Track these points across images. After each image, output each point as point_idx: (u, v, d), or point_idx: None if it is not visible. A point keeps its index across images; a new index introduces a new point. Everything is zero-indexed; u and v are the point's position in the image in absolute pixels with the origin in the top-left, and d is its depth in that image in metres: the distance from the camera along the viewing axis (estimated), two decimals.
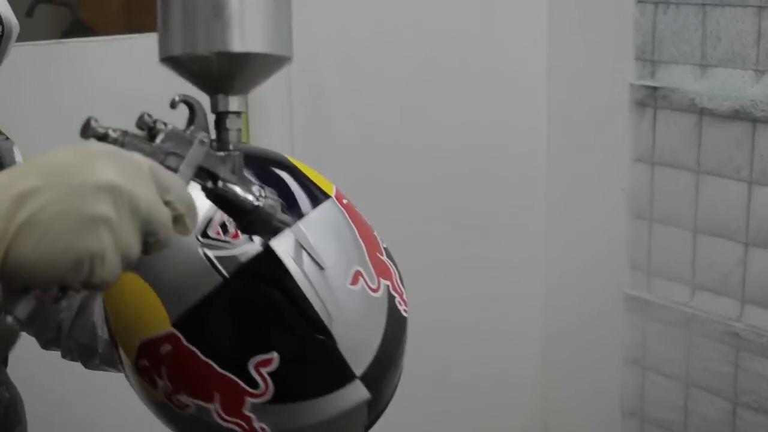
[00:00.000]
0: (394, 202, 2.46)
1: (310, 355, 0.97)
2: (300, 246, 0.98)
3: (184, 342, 0.97)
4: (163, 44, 0.88)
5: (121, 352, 1.02)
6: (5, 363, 1.17)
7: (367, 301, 1.01)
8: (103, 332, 1.22)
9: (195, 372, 0.97)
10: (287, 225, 0.92)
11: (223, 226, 0.98)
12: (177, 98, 0.87)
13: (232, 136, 0.89)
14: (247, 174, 0.90)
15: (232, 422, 0.97)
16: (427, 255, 2.48)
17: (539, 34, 2.69)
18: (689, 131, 2.45)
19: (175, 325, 0.96)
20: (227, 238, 0.98)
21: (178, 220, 0.80)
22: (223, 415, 0.97)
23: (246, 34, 0.87)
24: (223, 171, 0.87)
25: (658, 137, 2.53)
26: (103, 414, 2.15)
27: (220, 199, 0.88)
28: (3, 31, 1.04)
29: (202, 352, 0.96)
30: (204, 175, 0.86)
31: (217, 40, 0.86)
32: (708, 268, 2.48)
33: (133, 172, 0.76)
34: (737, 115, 2.33)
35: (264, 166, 1.05)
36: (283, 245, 0.97)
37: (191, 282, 0.97)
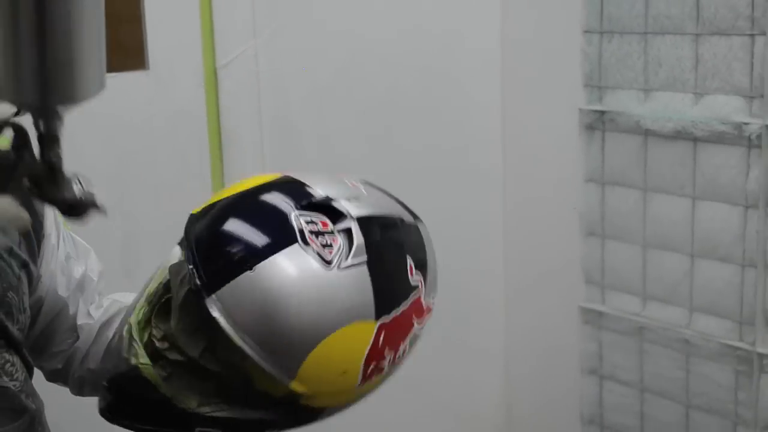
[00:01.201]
0: None
1: None
2: None
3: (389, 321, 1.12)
4: None
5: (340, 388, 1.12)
6: (30, 374, 1.25)
7: None
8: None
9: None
10: (102, 210, 1.00)
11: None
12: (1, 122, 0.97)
13: (53, 153, 0.97)
14: None
15: None
16: None
17: (494, 64, 2.78)
18: (635, 152, 2.56)
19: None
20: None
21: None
22: None
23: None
24: (44, 178, 0.97)
25: (607, 158, 2.63)
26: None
27: (46, 198, 0.98)
28: None
29: None
30: (30, 185, 0.97)
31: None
32: (657, 279, 2.58)
33: None
34: (679, 136, 2.44)
35: None
36: None
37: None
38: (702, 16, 2.36)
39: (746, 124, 2.31)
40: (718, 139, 2.38)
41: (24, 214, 0.97)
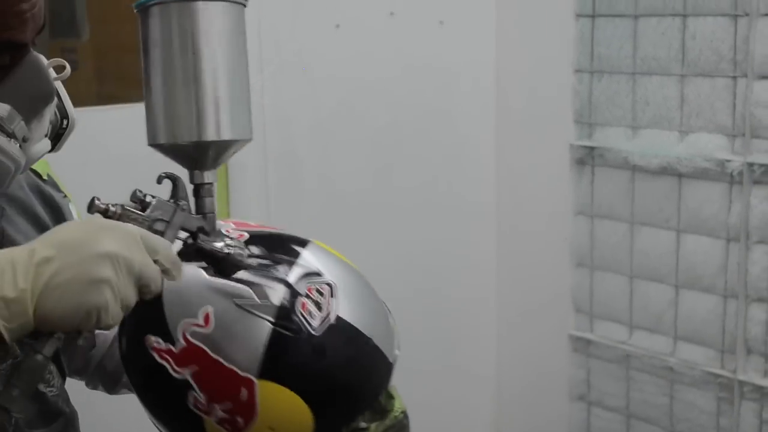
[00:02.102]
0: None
1: None
2: None
3: None
4: (150, 132, 1.11)
5: None
6: (64, 378, 1.30)
7: None
8: None
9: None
10: (252, 267, 1.12)
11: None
12: (162, 174, 1.09)
13: (207, 202, 1.12)
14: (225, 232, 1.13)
15: None
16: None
17: (488, 101, 2.86)
18: (623, 186, 2.63)
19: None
20: None
21: (166, 272, 1.02)
22: None
23: (217, 125, 1.09)
24: (199, 230, 1.10)
25: (596, 192, 2.70)
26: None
27: (199, 251, 1.10)
28: (68, 124, 1.23)
29: None
30: (186, 234, 1.09)
31: (194, 131, 1.08)
32: (643, 309, 2.64)
33: (127, 241, 0.97)
34: (665, 171, 2.52)
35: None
36: None
37: None
38: (687, 58, 2.44)
39: (728, 161, 2.39)
40: (701, 175, 2.45)
41: (176, 257, 1.05)
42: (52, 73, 1.15)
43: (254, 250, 1.16)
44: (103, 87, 3.65)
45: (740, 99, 2.36)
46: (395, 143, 2.70)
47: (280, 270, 1.15)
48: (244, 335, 1.11)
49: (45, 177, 1.30)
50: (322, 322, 1.13)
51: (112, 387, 1.43)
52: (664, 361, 2.60)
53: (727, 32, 2.36)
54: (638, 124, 2.57)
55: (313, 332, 1.12)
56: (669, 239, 2.55)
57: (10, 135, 1.07)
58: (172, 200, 1.08)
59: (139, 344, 1.13)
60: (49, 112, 1.16)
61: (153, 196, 1.07)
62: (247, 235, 1.18)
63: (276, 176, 2.49)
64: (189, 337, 1.11)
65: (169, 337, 1.11)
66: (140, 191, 1.07)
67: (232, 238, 1.12)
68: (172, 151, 1.11)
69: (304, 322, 1.12)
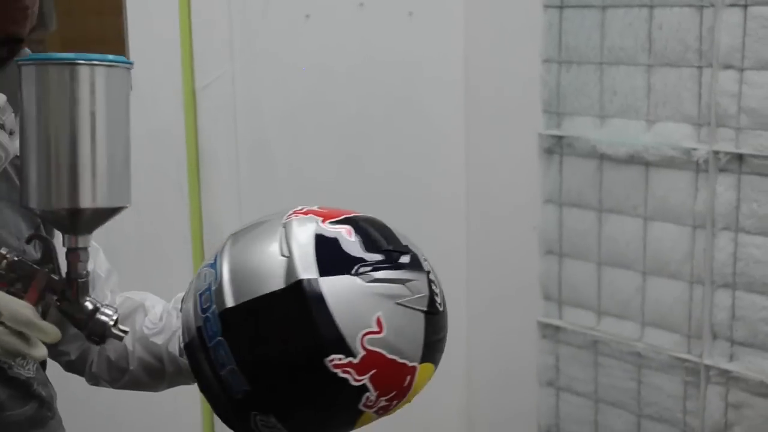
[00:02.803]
0: None
1: None
2: None
3: None
4: (23, 194, 1.09)
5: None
6: (43, 366, 1.34)
7: None
8: (135, 349, 1.39)
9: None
10: (120, 337, 1.15)
11: None
12: (31, 235, 1.11)
13: (78, 267, 1.13)
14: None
15: None
16: None
17: (457, 91, 2.88)
18: (591, 174, 2.66)
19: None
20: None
21: (21, 334, 1.05)
22: None
23: (92, 193, 1.09)
24: (65, 293, 1.11)
25: (564, 180, 2.73)
26: (131, 407, 2.24)
27: (64, 313, 1.13)
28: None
29: None
30: (51, 296, 1.10)
31: (67, 198, 1.08)
32: (611, 295, 2.68)
33: None
34: (632, 160, 2.55)
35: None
36: None
37: None
38: (654, 48, 2.47)
39: (694, 149, 2.43)
40: (668, 163, 2.49)
41: (28, 317, 1.06)
42: None
43: (356, 238, 1.21)
44: None
45: (706, 88, 2.39)
46: (365, 134, 2.71)
47: (406, 259, 1.23)
48: (408, 330, 1.19)
49: None
50: (443, 296, 1.26)
51: (116, 379, 1.43)
52: (631, 346, 2.64)
53: (692, 23, 2.39)
54: (606, 113, 2.60)
55: (442, 309, 1.25)
56: (636, 227, 2.59)
57: (1, 125, 1.09)
58: (38, 263, 1.10)
59: (316, 369, 1.14)
60: None
61: (18, 255, 1.09)
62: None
63: (247, 166, 2.49)
64: (367, 346, 1.15)
65: (348, 351, 1.14)
66: (4, 249, 1.09)
67: (104, 309, 1.14)
68: (43, 216, 1.12)
69: (437, 301, 1.24)
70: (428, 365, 1.23)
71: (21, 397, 1.27)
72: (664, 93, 2.47)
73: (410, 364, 1.19)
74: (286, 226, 1.21)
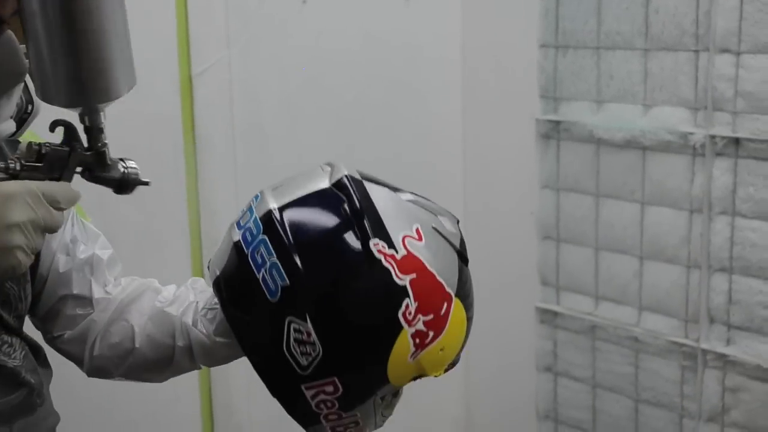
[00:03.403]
0: None
1: None
2: None
3: None
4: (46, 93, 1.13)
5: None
6: (34, 352, 1.34)
7: None
8: (144, 327, 1.38)
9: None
10: (147, 182, 1.22)
11: None
12: (55, 122, 1.16)
13: (102, 137, 1.16)
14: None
15: None
16: None
17: (455, 76, 2.88)
18: (588, 160, 2.66)
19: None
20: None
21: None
22: None
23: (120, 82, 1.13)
24: (94, 164, 1.17)
25: (561, 165, 2.73)
26: (129, 398, 2.25)
27: (98, 179, 1.18)
28: (33, 110, 1.27)
29: None
30: (82, 170, 1.17)
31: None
32: (609, 280, 2.69)
33: (31, 203, 1.09)
34: (629, 144, 2.55)
35: None
36: None
37: None
38: (650, 32, 2.47)
39: (691, 134, 2.43)
40: (665, 147, 2.49)
41: (77, 194, 1.15)
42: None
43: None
44: None
45: (702, 72, 2.39)
46: (362, 118, 2.71)
47: (438, 206, 1.31)
48: (444, 255, 1.24)
49: None
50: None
51: (120, 361, 1.40)
52: (629, 331, 2.64)
53: (689, 7, 2.39)
54: (603, 98, 2.60)
55: (468, 265, 1.30)
56: (633, 211, 2.59)
57: None
58: (64, 145, 1.15)
59: (360, 251, 1.18)
60: (18, 92, 1.20)
61: (47, 145, 1.14)
62: None
63: (244, 151, 2.49)
64: (408, 247, 1.20)
65: (391, 243, 1.19)
66: (35, 144, 1.14)
67: (126, 163, 1.20)
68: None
69: (465, 251, 1.30)
70: (461, 308, 1.25)
71: (8, 385, 1.27)
72: (660, 77, 2.48)
73: (447, 290, 1.22)
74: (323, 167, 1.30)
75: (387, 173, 2.70)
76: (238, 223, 1.25)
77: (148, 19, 2.27)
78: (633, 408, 2.69)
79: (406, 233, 1.21)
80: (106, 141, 1.17)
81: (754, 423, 2.47)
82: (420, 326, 1.19)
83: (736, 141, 2.36)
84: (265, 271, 1.18)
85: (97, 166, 1.17)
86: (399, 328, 1.18)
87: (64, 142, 1.15)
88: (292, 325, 1.17)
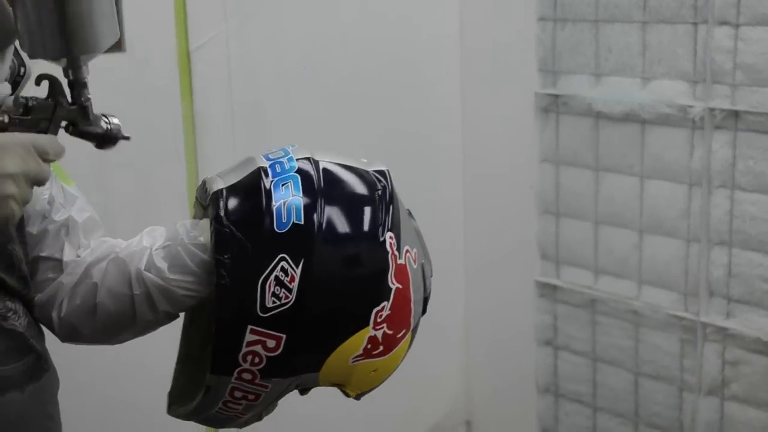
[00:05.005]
0: None
1: None
2: None
3: None
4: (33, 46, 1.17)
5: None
6: (36, 322, 1.34)
7: None
8: (106, 273, 1.33)
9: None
10: (128, 138, 1.25)
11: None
12: (40, 75, 1.20)
13: (84, 92, 1.20)
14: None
15: None
16: None
17: (453, 50, 2.87)
18: (588, 133, 2.66)
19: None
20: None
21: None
22: None
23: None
24: (78, 118, 1.21)
25: (561, 139, 2.73)
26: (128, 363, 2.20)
27: (82, 134, 1.22)
28: (26, 72, 1.28)
29: None
30: (66, 124, 1.20)
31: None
32: (608, 254, 2.69)
33: (22, 155, 1.12)
34: (628, 118, 2.55)
35: None
36: None
37: None
38: (648, 5, 2.46)
39: (690, 107, 2.42)
40: (664, 121, 2.48)
41: (63, 147, 1.19)
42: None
43: None
44: None
45: (701, 45, 2.39)
46: (361, 93, 2.70)
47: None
48: (418, 291, 1.28)
49: None
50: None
51: (87, 322, 1.35)
52: (628, 304, 2.65)
53: None
54: (601, 71, 2.59)
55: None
56: (633, 185, 2.59)
57: None
58: (50, 99, 1.19)
59: (375, 238, 1.23)
60: (10, 54, 1.22)
61: (34, 99, 1.18)
62: None
63: (242, 126, 2.49)
64: (406, 260, 1.25)
65: (399, 248, 1.25)
66: (22, 97, 1.17)
67: (109, 118, 1.23)
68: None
69: (427, 302, 1.37)
70: (407, 345, 1.30)
71: (18, 349, 1.28)
72: (659, 50, 2.47)
73: (411, 319, 1.27)
74: None
75: (386, 148, 2.74)
76: (266, 156, 1.29)
77: None
78: (633, 381, 2.69)
79: (409, 248, 1.26)
80: (89, 96, 1.21)
81: (754, 396, 2.47)
82: (379, 334, 1.22)
83: (736, 114, 2.36)
84: (284, 203, 1.21)
85: (81, 121, 1.21)
86: (365, 323, 1.21)
87: (50, 96, 1.19)
88: (282, 263, 1.18)
